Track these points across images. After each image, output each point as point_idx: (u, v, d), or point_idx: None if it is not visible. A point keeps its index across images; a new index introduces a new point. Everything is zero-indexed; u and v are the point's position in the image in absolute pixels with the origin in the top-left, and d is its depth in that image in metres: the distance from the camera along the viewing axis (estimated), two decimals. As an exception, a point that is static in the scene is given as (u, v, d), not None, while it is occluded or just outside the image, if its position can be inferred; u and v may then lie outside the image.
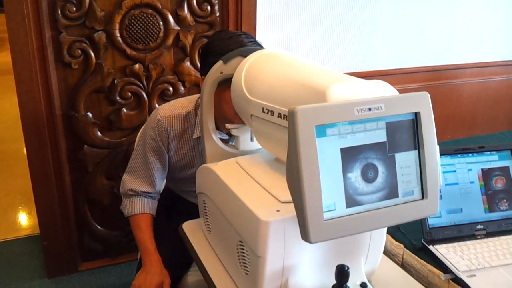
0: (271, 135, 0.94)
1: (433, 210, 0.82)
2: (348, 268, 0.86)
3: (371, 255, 0.98)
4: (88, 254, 2.21)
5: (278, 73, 0.95)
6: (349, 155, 0.75)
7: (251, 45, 1.20)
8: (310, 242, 0.72)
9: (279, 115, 0.87)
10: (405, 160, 0.79)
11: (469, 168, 1.19)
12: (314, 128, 0.71)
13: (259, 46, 1.21)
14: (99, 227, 2.17)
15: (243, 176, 1.01)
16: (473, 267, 1.02)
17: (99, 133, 2.01)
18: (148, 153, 1.37)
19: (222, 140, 1.16)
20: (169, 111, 1.34)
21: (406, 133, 0.79)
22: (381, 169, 0.77)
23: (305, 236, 0.72)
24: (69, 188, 2.06)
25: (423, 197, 0.81)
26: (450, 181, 1.17)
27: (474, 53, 2.90)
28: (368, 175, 0.76)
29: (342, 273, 0.86)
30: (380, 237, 0.97)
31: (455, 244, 1.11)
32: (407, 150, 0.80)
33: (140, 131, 1.48)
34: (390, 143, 0.78)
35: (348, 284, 0.88)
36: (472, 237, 1.14)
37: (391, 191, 0.78)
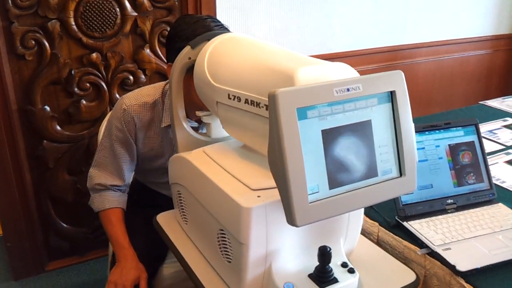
0: (239, 122, 0.92)
1: (411, 187, 0.83)
2: (330, 249, 0.86)
3: (350, 235, 0.99)
4: (54, 253, 2.14)
5: (243, 58, 0.93)
6: (329, 136, 0.74)
7: (218, 29, 1.17)
8: (296, 226, 0.72)
9: (246, 101, 0.85)
10: (383, 139, 0.80)
11: (437, 145, 1.22)
12: (296, 111, 0.70)
13: (226, 30, 1.19)
14: (64, 224, 2.10)
15: (226, 162, 0.99)
16: (447, 241, 1.05)
17: (58, 127, 1.93)
18: (115, 144, 1.32)
19: (193, 128, 1.14)
20: (134, 99, 1.30)
21: (382, 112, 0.80)
22: (360, 149, 0.77)
23: (291, 220, 0.72)
24: (30, 186, 1.97)
25: (401, 175, 0.82)
26: (419, 158, 1.19)
27: (428, 33, 2.97)
28: (349, 155, 0.76)
29: (324, 255, 0.87)
30: (358, 217, 0.98)
31: (428, 219, 1.14)
32: (384, 129, 0.80)
33: (105, 122, 1.43)
34: (368, 122, 0.78)
35: (330, 265, 0.89)
36: (443, 211, 1.17)
37: (371, 171, 0.79)
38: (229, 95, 0.90)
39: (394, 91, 0.80)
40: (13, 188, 1.92)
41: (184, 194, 1.11)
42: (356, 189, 0.77)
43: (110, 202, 1.36)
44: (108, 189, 1.37)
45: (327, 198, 0.74)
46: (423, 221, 1.13)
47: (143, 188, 1.54)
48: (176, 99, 1.10)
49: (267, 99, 0.78)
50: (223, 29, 1.20)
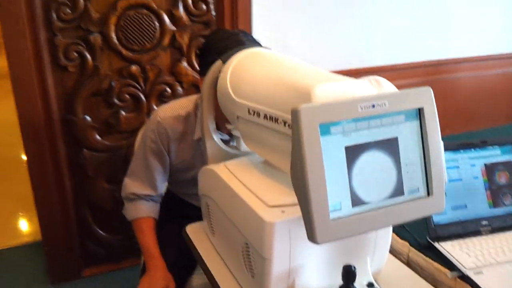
0: (258, 137, 0.93)
1: (439, 208, 0.81)
2: (354, 268, 0.85)
3: (377, 254, 0.97)
4: (91, 259, 2.20)
5: (263, 73, 0.93)
6: (353, 153, 0.73)
7: (249, 43, 1.19)
8: (317, 243, 0.71)
9: (265, 117, 0.86)
10: (410, 157, 0.78)
11: (472, 164, 1.18)
12: (318, 127, 0.70)
13: (257, 44, 1.20)
14: (101, 231, 2.15)
15: (245, 177, 1.00)
16: (480, 264, 1.01)
17: (98, 137, 1.99)
18: (149, 155, 1.36)
19: (224, 141, 1.15)
20: (168, 112, 1.33)
21: (410, 130, 0.78)
22: (386, 166, 0.76)
23: (312, 237, 0.71)
24: (70, 193, 2.04)
25: (428, 194, 0.80)
26: (453, 177, 1.16)
27: (471, 47, 2.89)
28: (373, 173, 0.75)
29: (349, 273, 0.85)
30: (386, 236, 0.96)
31: (461, 240, 1.10)
32: (411, 146, 0.78)
33: (140, 133, 1.47)
34: (395, 140, 0.77)
35: (355, 284, 0.87)
36: (477, 233, 1.13)
37: (397, 189, 0.77)
38: (249, 110, 0.90)
39: (422, 108, 0.78)
40: (54, 195, 1.99)
41: (212, 206, 1.12)
42: (381, 208, 0.76)
43: (143, 211, 1.39)
44: (141, 199, 1.40)
45: (349, 216, 0.73)
46: (455, 242, 1.09)
47: (176, 199, 1.56)
48: (207, 112, 1.12)
49: (285, 115, 0.79)
50: (255, 43, 1.21)
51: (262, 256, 0.85)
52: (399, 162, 0.77)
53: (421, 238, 1.13)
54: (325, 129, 0.71)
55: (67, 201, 2.04)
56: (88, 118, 1.95)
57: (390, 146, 0.77)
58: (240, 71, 0.97)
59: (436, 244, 1.09)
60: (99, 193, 2.08)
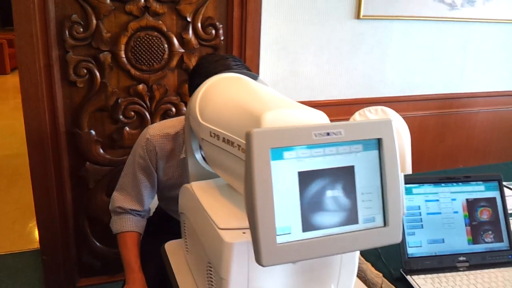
0: (219, 160, 0.95)
1: (396, 238, 0.81)
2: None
3: (342, 281, 0.96)
4: (86, 271, 2.23)
5: (227, 97, 0.96)
6: (307, 179, 0.75)
7: (237, 68, 1.22)
8: (262, 265, 0.72)
9: (224, 140, 0.88)
10: (367, 186, 0.79)
11: (453, 198, 1.17)
12: (269, 151, 0.72)
13: (245, 70, 1.23)
14: (98, 244, 2.19)
15: (217, 196, 1.02)
16: (449, 300, 1.00)
17: (101, 151, 2.05)
18: (137, 171, 1.39)
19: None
20: (158, 130, 1.37)
21: (368, 159, 0.79)
22: (340, 194, 0.77)
23: (258, 259, 0.72)
24: (70, 204, 2.09)
25: (385, 225, 0.80)
26: (432, 210, 1.15)
27: (487, 82, 2.87)
28: (327, 199, 0.76)
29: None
30: (351, 262, 0.96)
31: (435, 275, 1.09)
32: (369, 176, 0.79)
33: (132, 149, 1.51)
34: (351, 168, 0.78)
35: (315, 311, 0.87)
36: (453, 269, 1.11)
37: (351, 217, 0.78)
38: (210, 132, 0.93)
39: (381, 139, 0.79)
40: (54, 205, 2.04)
41: (186, 224, 1.14)
42: (333, 235, 0.76)
43: (128, 225, 1.42)
44: (128, 213, 1.43)
45: (299, 240, 0.74)
46: (428, 276, 1.08)
47: (165, 215, 1.59)
48: (190, 132, 1.15)
49: (239, 139, 0.81)
50: (243, 68, 1.24)
51: (220, 276, 0.86)
52: (355, 191, 0.78)
53: (395, 270, 1.12)
54: (278, 153, 0.73)
55: (67, 212, 2.09)
56: (93, 132, 2.01)
57: (346, 174, 0.78)
58: (209, 95, 1.00)
59: (408, 277, 1.08)
60: (98, 206, 2.12)
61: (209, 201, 0.98)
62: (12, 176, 3.60)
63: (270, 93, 0.94)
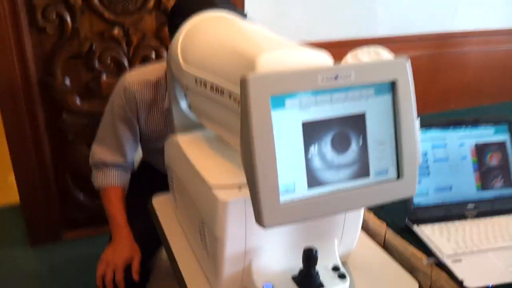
0: (205, 110, 0.85)
1: (410, 191, 0.73)
2: (316, 252, 0.78)
3: (346, 235, 0.90)
4: (71, 223, 2.17)
5: (214, 39, 0.84)
6: (312, 129, 0.65)
7: (222, 6, 1.08)
8: (264, 227, 0.63)
9: (212, 88, 0.77)
10: (379, 135, 0.70)
11: (461, 143, 1.09)
12: (269, 99, 0.61)
13: (231, 7, 1.10)
14: (81, 196, 2.11)
15: (206, 149, 0.92)
16: (460, 251, 0.93)
17: (78, 101, 1.92)
18: (117, 122, 1.28)
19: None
20: (137, 76, 1.24)
21: (380, 105, 0.69)
22: (349, 145, 0.68)
23: (259, 220, 0.64)
24: (49, 157, 1.99)
25: (398, 177, 0.71)
26: (439, 156, 1.07)
27: (480, 20, 2.75)
28: (334, 152, 0.67)
29: (309, 258, 0.78)
30: (356, 216, 0.89)
31: (442, 224, 1.02)
32: (381, 123, 0.70)
33: (110, 98, 1.39)
34: (361, 115, 0.68)
35: (319, 267, 0.81)
36: (461, 217, 1.05)
37: (361, 170, 0.69)
38: (196, 79, 0.82)
39: (395, 81, 0.69)
40: (32, 159, 1.93)
41: (174, 179, 1.05)
42: (342, 190, 0.68)
43: (111, 180, 1.33)
44: (110, 166, 1.33)
45: (304, 198, 0.65)
46: (435, 226, 1.01)
47: (150, 168, 1.49)
48: (173, 79, 1.04)
49: (230, 87, 0.71)
50: (229, 6, 1.11)
51: (215, 235, 0.78)
52: (366, 140, 0.69)
53: (400, 220, 1.06)
54: (279, 101, 0.63)
55: (46, 166, 1.99)
56: (67, 81, 1.87)
57: (355, 122, 0.68)
58: (193, 36, 0.88)
59: (414, 227, 1.02)
60: (79, 158, 2.02)
61: (197, 156, 0.88)
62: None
63: (264, 33, 0.82)
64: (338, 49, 2.34)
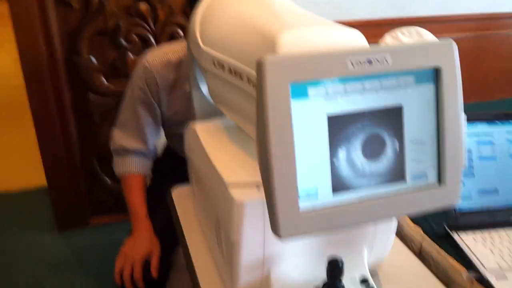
0: (223, 96, 0.76)
1: (453, 200, 0.62)
2: (342, 263, 0.68)
3: (377, 243, 0.80)
4: (98, 208, 2.13)
5: (234, 14, 0.74)
6: (339, 124, 0.55)
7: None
8: (280, 238, 0.55)
9: (230, 70, 0.67)
10: (418, 132, 0.59)
11: (511, 139, 0.96)
12: (289, 87, 0.52)
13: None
14: (109, 180, 2.07)
15: (225, 141, 0.83)
16: (505, 266, 0.82)
17: (104, 80, 1.86)
18: (137, 105, 1.21)
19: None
20: (158, 57, 1.16)
21: (420, 96, 0.59)
22: (383, 144, 0.58)
23: (275, 229, 0.55)
24: (76, 139, 1.95)
25: (440, 182, 0.61)
26: (485, 155, 0.95)
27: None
28: (365, 151, 0.57)
29: (334, 269, 0.69)
30: (389, 222, 0.79)
31: (486, 233, 0.91)
32: (421, 119, 0.59)
33: (130, 79, 1.32)
34: (398, 109, 0.58)
35: (345, 279, 0.71)
36: (508, 225, 0.93)
37: (396, 174, 0.59)
38: (213, 61, 0.73)
39: (440, 68, 0.58)
40: (59, 141, 1.90)
41: (193, 170, 0.97)
42: (372, 197, 0.58)
43: (132, 167, 1.27)
44: (131, 153, 1.27)
45: (328, 205, 0.56)
46: (478, 235, 0.90)
47: (174, 155, 1.42)
48: (193, 60, 0.95)
49: (248, 69, 0.61)
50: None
51: (230, 239, 0.70)
52: (402, 139, 0.59)
53: (438, 225, 0.95)
54: (300, 90, 0.53)
55: (73, 148, 1.95)
56: (93, 59, 1.81)
57: (390, 117, 0.58)
58: (213, 11, 0.79)
59: (454, 235, 0.91)
60: (106, 141, 1.96)
61: (215, 148, 0.80)
62: (22, 109, 3.44)
63: (291, 8, 0.72)
64: (376, 28, 2.21)
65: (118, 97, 1.89)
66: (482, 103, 1.62)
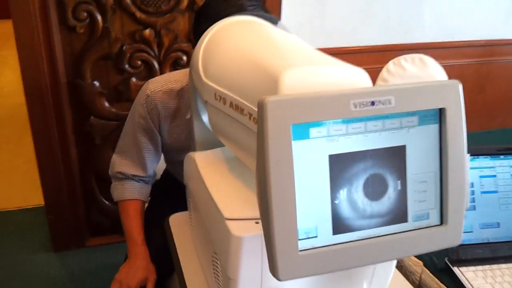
0: (224, 128, 0.76)
1: (455, 241, 0.62)
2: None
3: (377, 279, 0.79)
4: (96, 230, 2.12)
5: (237, 49, 0.75)
6: (340, 164, 0.55)
7: (252, 9, 1.00)
8: (279, 279, 0.54)
9: (231, 105, 0.68)
10: (421, 172, 0.59)
11: (514, 173, 0.96)
12: (290, 128, 0.52)
13: (263, 11, 1.01)
14: (107, 202, 2.06)
15: (224, 172, 0.83)
16: (507, 302, 0.82)
17: (106, 104, 1.87)
18: (138, 133, 1.21)
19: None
20: (160, 85, 1.17)
21: (424, 136, 0.58)
22: (384, 184, 0.57)
23: (273, 270, 0.54)
24: (76, 161, 1.95)
25: (442, 223, 0.61)
26: (487, 189, 0.95)
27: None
28: (367, 192, 0.57)
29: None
30: (389, 259, 0.78)
31: (487, 267, 0.90)
32: (424, 159, 0.59)
33: (132, 106, 1.32)
34: (401, 149, 0.58)
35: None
36: (510, 259, 0.92)
37: (398, 214, 0.58)
38: (215, 94, 0.73)
39: (444, 109, 0.58)
40: (58, 161, 1.89)
41: (191, 198, 0.97)
42: (373, 237, 0.58)
43: (130, 193, 1.26)
44: (130, 179, 1.26)
45: (328, 246, 0.56)
46: (479, 269, 0.90)
47: (173, 180, 1.42)
48: (195, 90, 0.95)
49: (250, 105, 0.61)
50: (259, 9, 1.02)
51: (226, 274, 0.69)
52: (405, 179, 0.58)
53: (439, 259, 0.94)
54: (302, 130, 0.53)
55: (73, 169, 1.95)
56: (96, 83, 1.82)
57: (393, 157, 0.58)
58: (216, 44, 0.79)
59: (455, 269, 0.90)
60: (106, 163, 1.95)
61: (213, 179, 0.80)
62: (25, 126, 3.45)
63: (294, 43, 0.73)
64: (380, 54, 2.22)
65: (120, 120, 1.90)
66: (484, 132, 1.62)
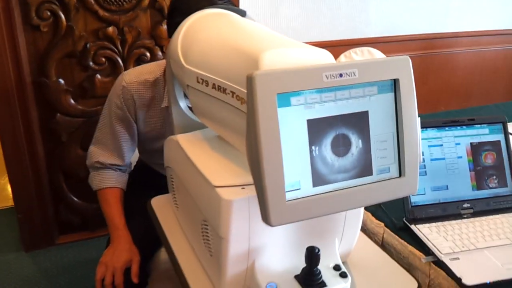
0: (208, 110, 0.85)
1: (412, 189, 0.74)
2: (318, 250, 0.78)
3: (346, 235, 0.90)
4: (65, 227, 2.14)
5: (216, 37, 0.84)
6: (317, 127, 0.66)
7: (222, 3, 1.09)
8: (271, 225, 0.64)
9: (214, 86, 0.77)
10: (381, 133, 0.70)
11: (457, 142, 1.10)
12: (276, 97, 0.62)
13: (231, 5, 1.11)
14: (75, 199, 2.09)
15: (207, 149, 0.92)
16: (457, 249, 0.95)
17: (72, 101, 1.90)
18: (114, 122, 1.27)
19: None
20: (135, 76, 1.24)
21: (383, 103, 0.70)
22: (353, 143, 0.68)
23: (266, 218, 0.64)
24: (43, 158, 1.97)
25: (400, 175, 0.72)
26: (436, 156, 1.09)
27: (470, 21, 2.79)
28: (339, 150, 0.67)
29: (312, 256, 0.79)
30: (356, 216, 0.89)
31: (439, 223, 1.03)
32: (384, 122, 0.70)
33: (107, 98, 1.38)
34: (365, 114, 0.69)
35: (320, 266, 0.81)
36: (457, 216, 1.06)
37: (365, 169, 0.70)
38: (197, 78, 0.82)
39: (397, 80, 0.70)
40: (25, 160, 1.91)
41: (175, 179, 1.05)
42: (346, 188, 0.68)
43: (109, 181, 1.32)
44: (108, 168, 1.32)
45: (309, 196, 0.66)
46: (433, 225, 1.03)
47: (148, 169, 1.49)
48: (173, 78, 1.04)
49: (233, 85, 0.71)
50: (229, 3, 1.11)
51: (218, 235, 0.78)
52: (369, 139, 0.70)
53: (398, 219, 1.07)
54: (284, 99, 0.63)
55: (40, 167, 1.97)
56: (61, 81, 1.85)
57: (359, 121, 0.69)
58: (193, 34, 0.88)
59: (412, 227, 1.03)
60: (73, 160, 2.00)
61: (199, 156, 0.88)
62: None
63: (265, 31, 0.83)
64: (331, 48, 2.36)
65: (86, 117, 1.94)
66: (430, 115, 1.79)
